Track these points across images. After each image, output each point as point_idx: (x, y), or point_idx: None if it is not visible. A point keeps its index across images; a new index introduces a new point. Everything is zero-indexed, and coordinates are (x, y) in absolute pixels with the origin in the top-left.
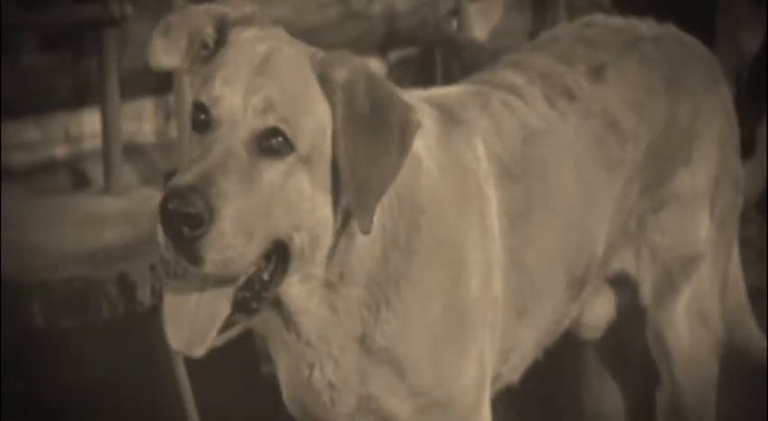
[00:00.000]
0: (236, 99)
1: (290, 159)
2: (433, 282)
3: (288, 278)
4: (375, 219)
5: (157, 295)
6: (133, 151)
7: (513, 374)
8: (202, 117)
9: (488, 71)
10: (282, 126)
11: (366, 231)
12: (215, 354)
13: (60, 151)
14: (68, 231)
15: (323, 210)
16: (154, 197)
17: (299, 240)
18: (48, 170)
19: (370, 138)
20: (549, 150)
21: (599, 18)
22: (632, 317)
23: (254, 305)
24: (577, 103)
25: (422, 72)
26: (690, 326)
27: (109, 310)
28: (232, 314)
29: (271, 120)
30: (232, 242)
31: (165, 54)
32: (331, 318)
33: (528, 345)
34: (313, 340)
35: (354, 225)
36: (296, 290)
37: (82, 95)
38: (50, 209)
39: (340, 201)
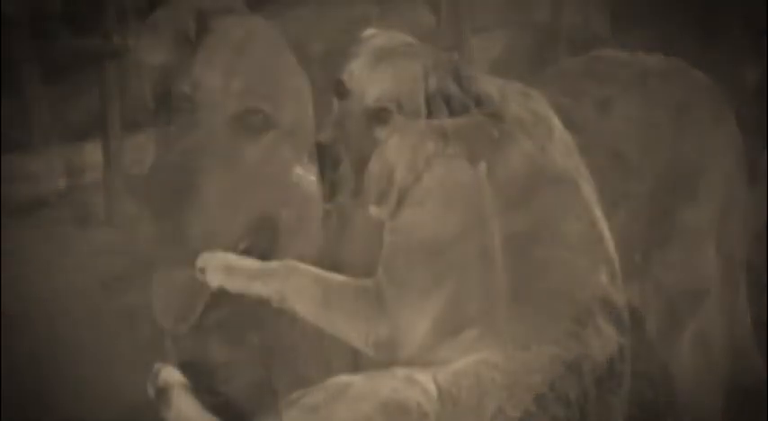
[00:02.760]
0: (216, 82)
1: (273, 134)
2: None
3: (281, 255)
4: None
5: (158, 326)
6: (135, 183)
7: (515, 410)
8: (185, 104)
9: (492, 105)
10: (263, 105)
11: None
12: None
13: (62, 184)
14: (70, 263)
15: (308, 184)
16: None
17: (286, 215)
18: (49, 202)
19: None
20: (552, 183)
21: (607, 52)
22: (638, 348)
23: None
24: (582, 137)
25: None
26: (694, 360)
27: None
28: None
29: (251, 101)
30: (217, 215)
31: (154, 50)
32: None
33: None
34: None
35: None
36: None
37: (83, 128)
38: (52, 241)
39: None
